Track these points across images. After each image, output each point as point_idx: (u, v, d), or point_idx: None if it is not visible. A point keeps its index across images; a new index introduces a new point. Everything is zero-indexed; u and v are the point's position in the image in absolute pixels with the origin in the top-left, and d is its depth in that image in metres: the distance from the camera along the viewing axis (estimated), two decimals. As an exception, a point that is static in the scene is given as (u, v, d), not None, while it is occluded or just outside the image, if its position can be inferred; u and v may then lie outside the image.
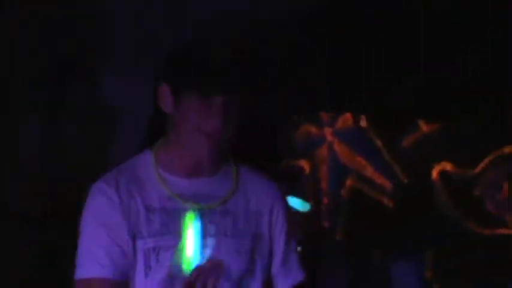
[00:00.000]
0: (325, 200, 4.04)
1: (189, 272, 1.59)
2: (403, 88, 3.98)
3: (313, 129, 4.20)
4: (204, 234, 1.65)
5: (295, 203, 3.67)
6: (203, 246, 1.63)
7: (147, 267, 1.67)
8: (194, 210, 1.67)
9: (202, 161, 1.72)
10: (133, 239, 1.68)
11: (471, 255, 3.99)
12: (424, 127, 4.01)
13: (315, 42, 3.95)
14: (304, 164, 4.09)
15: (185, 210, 1.67)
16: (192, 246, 1.63)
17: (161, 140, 1.75)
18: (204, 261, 1.61)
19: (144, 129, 3.16)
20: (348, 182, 4.18)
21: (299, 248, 2.66)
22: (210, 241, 1.67)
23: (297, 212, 3.76)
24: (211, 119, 1.64)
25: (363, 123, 4.12)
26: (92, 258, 1.68)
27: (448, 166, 4.10)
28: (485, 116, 3.89)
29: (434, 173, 4.13)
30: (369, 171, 4.16)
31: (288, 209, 1.88)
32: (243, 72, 1.73)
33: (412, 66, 3.87)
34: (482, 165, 4.01)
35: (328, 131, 4.18)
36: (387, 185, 4.16)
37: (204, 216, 1.67)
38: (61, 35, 4.56)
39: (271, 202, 1.78)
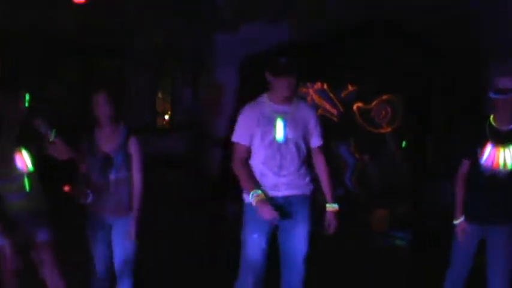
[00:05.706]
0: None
1: (279, 139, 2.77)
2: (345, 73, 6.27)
3: (304, 89, 6.66)
4: (285, 125, 2.83)
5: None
6: (284, 130, 2.83)
7: (263, 137, 2.86)
8: (281, 117, 2.82)
9: (282, 99, 2.88)
10: (257, 126, 2.86)
11: (368, 139, 6.62)
12: (350, 87, 6.65)
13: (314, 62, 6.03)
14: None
15: (278, 116, 2.83)
16: (280, 130, 2.82)
17: (268, 91, 2.91)
18: (285, 135, 2.77)
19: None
20: (319, 111, 6.40)
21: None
22: (287, 128, 2.85)
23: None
24: (283, 87, 2.84)
25: (325, 86, 6.67)
26: (239, 134, 2.92)
27: (360, 104, 6.72)
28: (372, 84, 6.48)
29: (355, 107, 6.77)
30: (327, 106, 6.70)
31: (317, 117, 2.91)
32: (296, 67, 2.83)
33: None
34: (374, 103, 6.64)
35: (311, 90, 6.72)
36: (334, 112, 6.75)
37: (285, 119, 2.85)
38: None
39: (311, 114, 3.00)
